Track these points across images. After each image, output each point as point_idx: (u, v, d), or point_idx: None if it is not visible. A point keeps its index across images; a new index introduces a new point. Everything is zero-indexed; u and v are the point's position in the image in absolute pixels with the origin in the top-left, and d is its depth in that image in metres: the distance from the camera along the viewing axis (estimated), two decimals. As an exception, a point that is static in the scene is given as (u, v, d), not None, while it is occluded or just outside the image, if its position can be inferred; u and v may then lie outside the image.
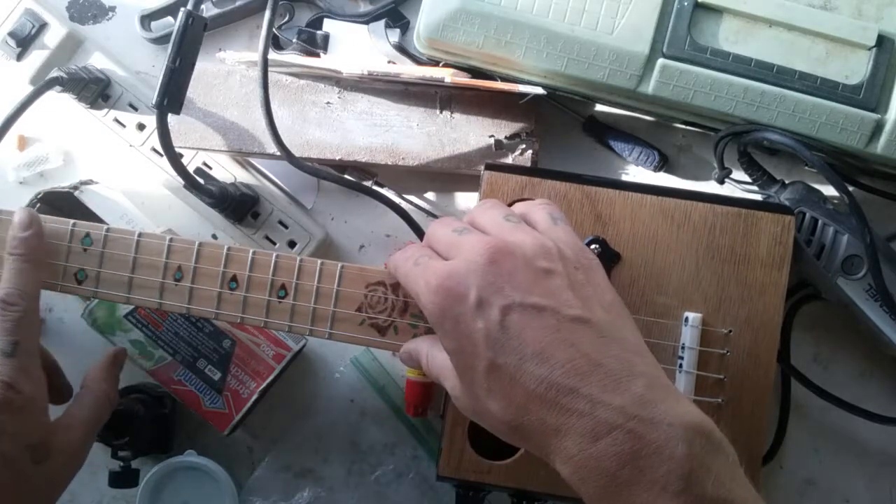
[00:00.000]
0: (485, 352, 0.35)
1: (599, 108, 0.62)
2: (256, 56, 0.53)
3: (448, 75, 0.56)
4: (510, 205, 0.50)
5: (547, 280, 0.36)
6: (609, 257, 0.50)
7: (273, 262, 0.48)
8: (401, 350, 0.46)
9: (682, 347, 0.50)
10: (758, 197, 0.59)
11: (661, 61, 0.54)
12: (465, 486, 0.51)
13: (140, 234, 0.49)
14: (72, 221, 0.49)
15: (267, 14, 0.53)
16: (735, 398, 0.50)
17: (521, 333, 0.35)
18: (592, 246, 0.50)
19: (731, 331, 0.50)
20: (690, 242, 0.51)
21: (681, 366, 0.49)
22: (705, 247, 0.51)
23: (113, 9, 0.64)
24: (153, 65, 0.64)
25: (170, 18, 0.63)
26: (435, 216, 0.62)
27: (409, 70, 0.58)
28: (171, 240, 0.49)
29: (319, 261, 0.48)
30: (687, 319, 0.50)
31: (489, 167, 0.52)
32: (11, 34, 0.61)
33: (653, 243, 0.51)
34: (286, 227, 0.61)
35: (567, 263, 0.38)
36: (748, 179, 0.59)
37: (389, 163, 0.59)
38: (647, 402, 0.33)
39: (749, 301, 0.50)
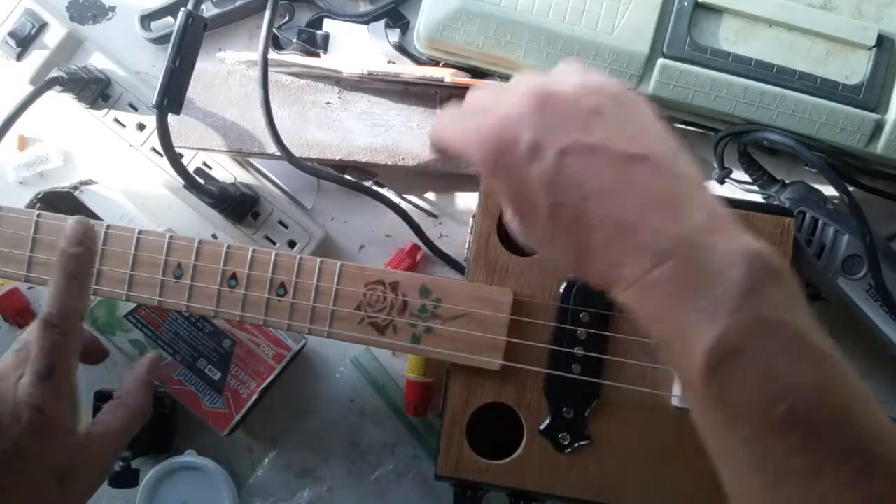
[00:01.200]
0: (544, 196, 0.34)
1: (599, 108, 0.62)
2: (256, 56, 0.53)
3: (448, 75, 0.56)
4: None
5: (597, 118, 0.35)
6: None
7: (273, 260, 0.48)
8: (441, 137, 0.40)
9: None
10: (758, 197, 0.59)
11: (661, 61, 0.54)
12: (463, 485, 0.51)
13: (140, 232, 0.49)
14: (71, 217, 0.48)
15: (267, 14, 0.53)
16: None
17: (578, 174, 0.34)
18: None
19: None
20: None
21: None
22: None
23: (113, 9, 0.64)
24: (153, 65, 0.64)
25: (170, 18, 0.63)
26: (435, 216, 0.62)
27: (409, 70, 0.58)
28: (171, 237, 0.49)
29: (319, 259, 0.48)
30: None
31: None
32: (11, 34, 0.61)
33: None
34: (286, 227, 0.61)
35: (613, 100, 0.36)
36: (748, 179, 0.59)
37: (389, 163, 0.59)
38: (706, 231, 0.33)
39: None
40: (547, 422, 0.49)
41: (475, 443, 0.49)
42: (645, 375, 0.50)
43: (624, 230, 0.33)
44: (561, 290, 0.50)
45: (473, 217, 0.54)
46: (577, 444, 0.49)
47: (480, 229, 0.50)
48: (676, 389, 0.49)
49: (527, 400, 0.49)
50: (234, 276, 0.48)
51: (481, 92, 0.39)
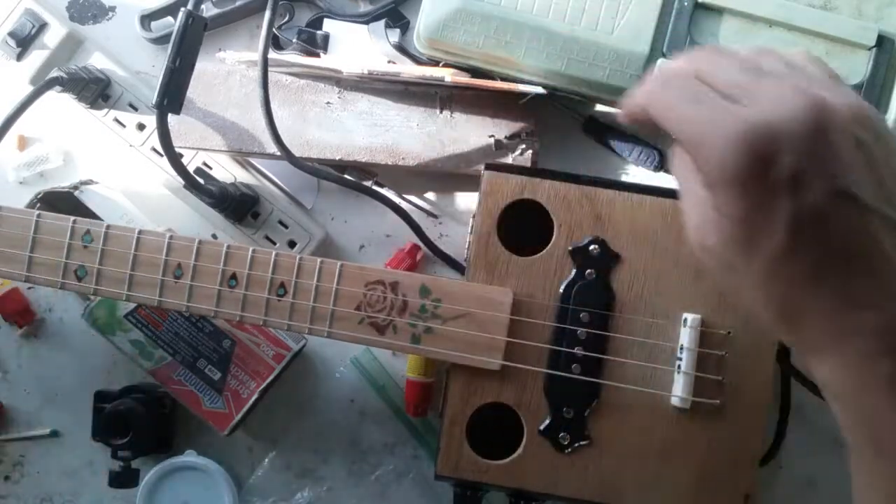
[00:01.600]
0: (783, 237, 0.29)
1: (599, 108, 0.62)
2: (256, 56, 0.53)
3: (448, 75, 0.56)
4: (510, 205, 0.50)
5: (863, 157, 0.29)
6: (608, 258, 0.50)
7: (273, 260, 0.48)
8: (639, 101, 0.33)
9: (681, 349, 0.49)
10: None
11: (661, 61, 0.54)
12: (463, 485, 0.51)
13: (140, 232, 0.49)
14: (72, 218, 0.49)
15: (267, 14, 0.53)
16: (734, 400, 0.49)
17: (832, 227, 0.28)
18: (591, 247, 0.50)
19: (730, 332, 0.50)
20: (688, 243, 0.50)
21: (679, 367, 0.49)
22: None
23: (113, 9, 0.64)
24: (153, 65, 0.64)
25: (170, 18, 0.63)
26: (435, 216, 0.62)
27: (409, 70, 0.58)
28: (171, 237, 0.49)
29: (319, 259, 0.48)
30: (686, 320, 0.50)
31: (489, 167, 0.52)
32: (11, 34, 0.61)
33: (652, 244, 0.50)
34: (286, 227, 0.61)
35: (874, 134, 0.29)
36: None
37: (389, 163, 0.59)
38: None
39: None
40: (547, 422, 0.49)
41: (475, 443, 0.50)
42: (645, 375, 0.50)
43: (860, 305, 0.29)
44: (561, 290, 0.50)
45: (473, 217, 0.53)
46: (576, 444, 0.49)
47: (480, 229, 0.50)
48: (676, 389, 0.49)
49: (527, 400, 0.50)
50: (234, 276, 0.49)
51: (726, 64, 0.32)
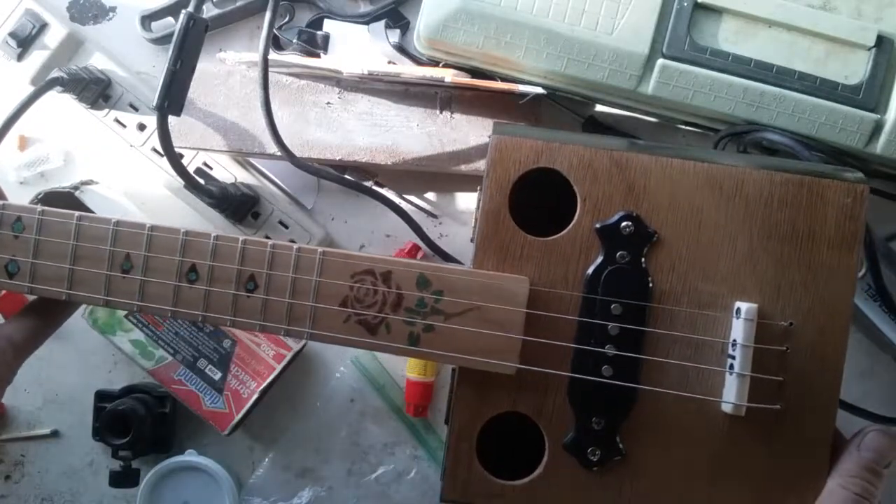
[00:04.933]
0: None
1: (599, 108, 0.62)
2: (257, 56, 0.53)
3: (448, 75, 0.56)
4: (524, 176, 0.43)
5: None
6: (644, 237, 0.42)
7: (240, 249, 0.41)
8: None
9: (733, 344, 0.42)
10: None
11: (660, 61, 0.54)
12: None
13: (80, 218, 0.42)
14: (1, 202, 0.43)
15: (267, 15, 0.53)
16: (797, 404, 0.42)
17: None
18: (623, 224, 0.42)
19: (791, 323, 0.42)
20: (743, 218, 0.42)
21: (731, 366, 0.42)
22: (761, 223, 0.42)
23: (113, 9, 0.65)
24: (154, 65, 0.64)
25: (170, 19, 0.63)
26: (435, 216, 0.62)
27: (409, 70, 0.58)
28: (116, 223, 0.42)
29: (295, 246, 0.41)
30: (739, 311, 0.42)
31: (498, 130, 0.43)
32: (12, 34, 0.61)
33: (697, 219, 0.43)
34: (286, 227, 0.61)
35: None
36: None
37: (389, 163, 0.59)
38: None
39: (813, 288, 0.42)
40: (572, 434, 0.42)
41: (487, 460, 0.43)
42: (689, 378, 0.42)
43: None
44: (587, 278, 0.42)
45: (479, 190, 0.46)
46: (608, 461, 0.42)
47: (489, 205, 0.42)
48: (728, 393, 0.42)
49: (548, 409, 0.43)
50: (193, 269, 0.41)
51: None
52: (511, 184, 0.42)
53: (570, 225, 0.43)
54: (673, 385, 0.42)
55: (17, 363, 0.44)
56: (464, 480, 0.42)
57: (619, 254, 0.42)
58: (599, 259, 0.42)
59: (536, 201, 0.43)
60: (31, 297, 0.46)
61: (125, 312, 0.56)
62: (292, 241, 0.50)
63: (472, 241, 0.48)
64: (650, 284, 0.42)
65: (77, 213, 0.42)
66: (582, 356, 0.42)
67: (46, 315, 0.46)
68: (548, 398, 0.43)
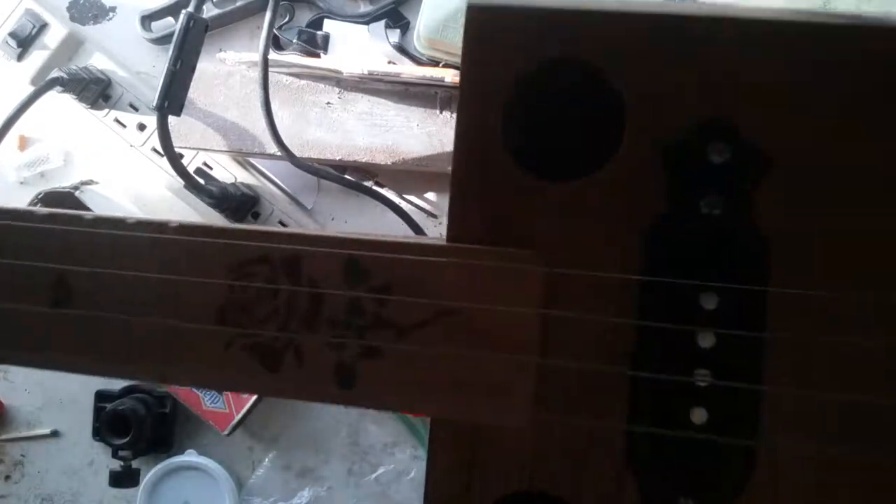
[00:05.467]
0: None
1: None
2: (257, 56, 0.53)
3: (448, 75, 0.56)
4: (525, 79, 0.24)
5: None
6: (748, 164, 0.23)
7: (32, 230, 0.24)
8: None
9: None
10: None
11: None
12: None
13: None
14: None
15: (268, 15, 0.53)
16: None
17: None
18: (710, 145, 0.23)
19: None
20: None
21: None
22: None
23: (113, 9, 0.64)
24: (154, 65, 0.64)
25: (170, 19, 0.63)
26: (434, 216, 0.62)
27: (409, 70, 0.58)
28: None
29: (129, 219, 0.24)
30: None
31: (473, 5, 0.25)
32: (12, 34, 0.61)
33: (846, 129, 0.23)
34: (286, 227, 0.61)
35: None
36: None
37: (389, 163, 0.59)
38: None
39: None
40: None
41: None
42: (849, 416, 0.23)
43: None
44: (649, 246, 0.23)
45: (456, 116, 0.27)
46: None
47: (468, 134, 0.26)
48: None
49: (593, 483, 0.24)
50: None
51: None
52: (505, 92, 0.24)
53: (613, 157, 0.24)
54: (823, 431, 0.23)
55: None
56: None
57: (704, 200, 0.23)
58: (670, 212, 0.23)
59: (548, 127, 0.24)
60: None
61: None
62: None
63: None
64: (767, 254, 0.23)
65: None
66: (650, 391, 0.23)
67: None
68: (591, 465, 0.24)
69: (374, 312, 0.23)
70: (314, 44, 0.62)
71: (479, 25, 0.24)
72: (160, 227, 0.22)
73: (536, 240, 0.24)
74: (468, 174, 0.26)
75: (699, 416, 0.23)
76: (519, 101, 0.24)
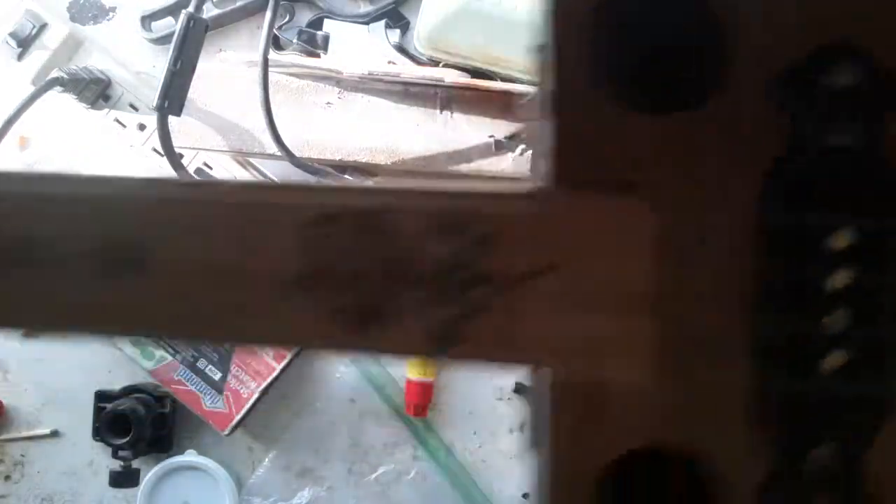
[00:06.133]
0: None
1: (599, 108, 0.62)
2: (257, 56, 0.53)
3: (448, 75, 0.56)
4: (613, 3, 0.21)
5: None
6: (883, 90, 0.20)
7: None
8: None
9: None
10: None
11: (660, 62, 0.54)
12: None
13: None
14: None
15: (268, 15, 0.53)
16: None
17: None
18: (836, 66, 0.20)
19: None
20: None
21: None
22: None
23: (113, 9, 0.64)
24: (154, 65, 0.64)
25: (170, 19, 0.63)
26: (435, 216, 0.62)
27: (409, 70, 0.58)
28: None
29: (192, 181, 0.24)
30: None
31: None
32: (12, 35, 0.61)
33: None
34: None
35: None
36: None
37: (389, 163, 0.59)
38: None
39: None
40: (769, 477, 0.22)
41: None
42: None
43: None
44: (767, 181, 0.21)
45: (541, 58, 0.26)
46: None
47: (559, 65, 0.23)
48: None
49: (720, 437, 0.22)
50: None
51: None
52: (592, 14, 0.22)
53: (723, 87, 0.21)
54: None
55: None
56: None
57: (834, 129, 0.21)
58: (792, 148, 0.21)
59: (643, 56, 0.22)
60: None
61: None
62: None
63: (520, 154, 0.30)
64: None
65: None
66: (774, 340, 0.22)
67: None
68: (718, 418, 0.22)
69: (474, 267, 0.21)
70: (314, 44, 0.62)
71: None
72: (235, 182, 0.20)
73: (641, 186, 0.21)
74: (564, 110, 0.23)
75: (830, 363, 0.22)
76: (609, 28, 0.22)
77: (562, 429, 0.23)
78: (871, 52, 0.20)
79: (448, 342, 0.21)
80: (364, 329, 0.21)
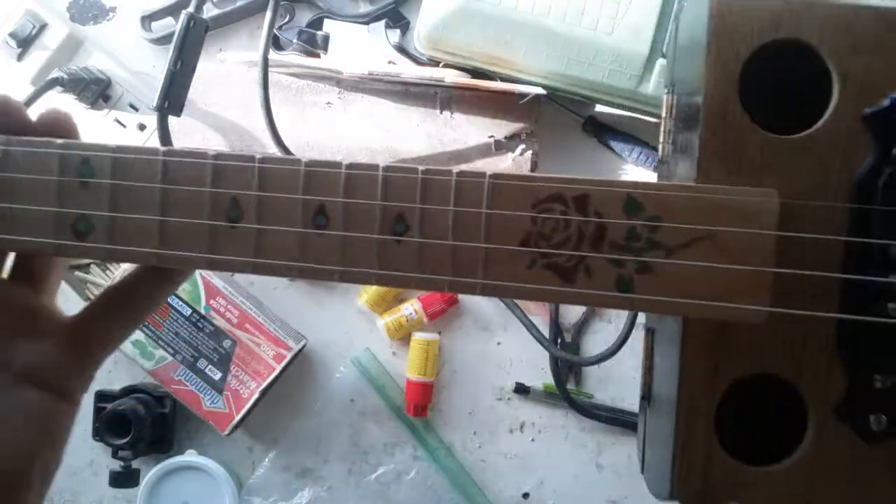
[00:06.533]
0: None
1: (599, 108, 0.62)
2: (257, 56, 0.53)
3: (448, 75, 0.56)
4: (755, 53, 0.32)
5: None
6: None
7: (381, 178, 0.31)
8: None
9: None
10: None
11: (660, 61, 0.54)
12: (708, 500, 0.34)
13: (167, 153, 0.32)
14: (58, 140, 0.31)
15: (268, 15, 0.53)
16: None
17: None
18: None
19: None
20: None
21: None
22: None
23: (113, 9, 0.65)
24: (154, 65, 0.64)
25: (170, 19, 0.63)
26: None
27: (409, 70, 0.58)
28: (216, 157, 0.32)
29: (454, 170, 0.31)
30: None
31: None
32: (12, 35, 0.61)
33: None
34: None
35: None
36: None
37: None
38: None
39: None
40: (846, 398, 0.32)
41: (726, 440, 0.33)
42: None
43: None
44: (857, 182, 0.32)
45: (668, 93, 0.39)
46: None
47: (712, 96, 0.32)
48: None
49: (810, 366, 0.32)
50: (322, 211, 0.31)
51: None
52: (741, 64, 0.32)
53: (826, 115, 0.32)
54: None
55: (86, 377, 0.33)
56: (703, 468, 0.32)
57: None
58: (873, 158, 0.32)
59: (773, 93, 0.33)
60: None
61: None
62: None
63: (659, 161, 0.40)
64: None
65: (163, 148, 0.32)
66: (856, 290, 0.31)
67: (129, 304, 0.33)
68: (809, 352, 0.32)
69: (646, 237, 0.31)
70: (314, 44, 0.62)
71: (722, 10, 0.32)
72: (490, 174, 0.31)
73: (767, 181, 0.32)
74: (713, 128, 0.32)
75: (894, 310, 0.31)
76: (752, 71, 0.32)
77: (691, 362, 0.32)
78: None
79: (627, 289, 0.30)
80: (572, 281, 0.31)
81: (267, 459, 0.61)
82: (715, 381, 0.32)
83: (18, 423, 0.29)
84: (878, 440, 0.32)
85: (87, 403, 0.60)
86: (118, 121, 0.62)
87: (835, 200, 0.32)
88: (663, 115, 0.40)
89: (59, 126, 0.32)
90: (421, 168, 0.31)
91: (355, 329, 0.61)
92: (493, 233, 0.31)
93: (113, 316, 0.33)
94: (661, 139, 0.41)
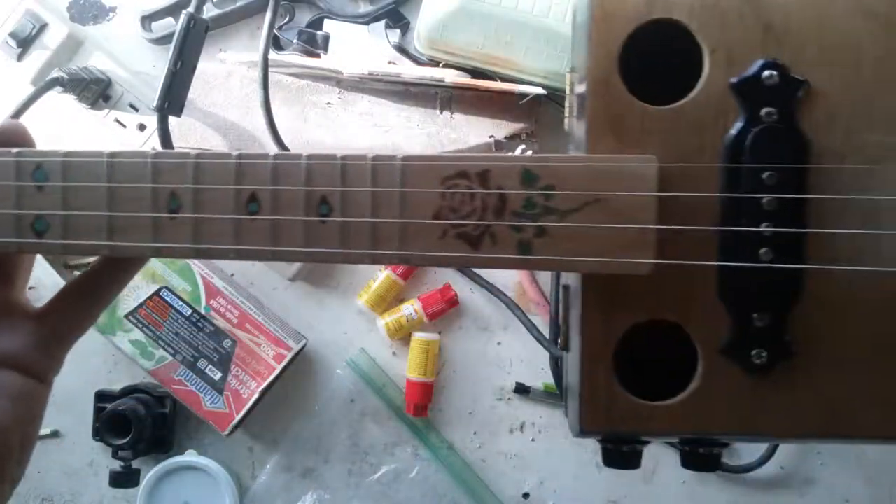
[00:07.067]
0: None
1: (599, 108, 0.62)
2: (257, 56, 0.53)
3: (448, 75, 0.56)
4: (634, 33, 0.36)
5: None
6: (792, 88, 0.35)
7: (304, 167, 0.34)
8: None
9: None
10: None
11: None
12: (617, 439, 0.38)
13: (111, 155, 0.36)
14: (14, 150, 0.36)
15: (268, 15, 0.53)
16: None
17: None
18: (765, 73, 0.35)
19: None
20: None
21: None
22: None
23: (113, 9, 0.65)
24: (154, 65, 0.64)
25: (170, 19, 0.63)
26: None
27: (409, 70, 0.58)
28: (155, 155, 0.35)
29: (369, 156, 0.34)
30: None
31: None
32: (12, 35, 0.61)
33: (854, 56, 0.35)
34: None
35: None
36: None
37: (390, 163, 0.59)
38: None
39: None
40: (729, 337, 0.35)
41: (626, 381, 0.37)
42: (865, 248, 0.35)
43: None
44: (727, 145, 0.35)
45: (571, 71, 0.42)
46: (777, 363, 0.35)
47: (595, 74, 0.36)
48: None
49: (696, 311, 0.36)
50: (254, 198, 0.34)
51: None
52: (620, 44, 0.36)
53: (699, 85, 0.35)
54: (847, 259, 0.35)
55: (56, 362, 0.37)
56: (605, 407, 0.36)
57: (764, 111, 0.35)
58: (741, 121, 0.35)
59: (649, 70, 0.36)
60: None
61: (126, 312, 0.56)
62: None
63: (567, 130, 0.44)
64: (807, 144, 0.35)
65: (107, 150, 0.36)
66: (732, 240, 0.35)
67: (88, 293, 0.37)
68: (694, 297, 0.35)
69: (542, 204, 0.34)
70: (314, 44, 0.62)
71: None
72: (401, 157, 0.34)
73: (648, 148, 0.35)
74: (598, 104, 0.36)
75: (766, 255, 0.35)
76: (626, 58, 0.36)
77: (588, 316, 0.36)
78: (787, 66, 0.35)
79: (527, 252, 0.34)
80: (479, 247, 0.34)
81: (269, 465, 0.61)
82: (612, 328, 0.36)
83: (2, 403, 0.34)
84: (760, 373, 0.35)
85: (87, 403, 0.60)
86: (118, 121, 0.62)
87: (710, 161, 0.35)
88: (567, 92, 0.43)
89: (15, 136, 0.37)
90: (339, 154, 0.34)
91: (355, 329, 0.61)
92: (407, 209, 0.34)
93: (77, 304, 0.36)
94: (565, 114, 0.43)
